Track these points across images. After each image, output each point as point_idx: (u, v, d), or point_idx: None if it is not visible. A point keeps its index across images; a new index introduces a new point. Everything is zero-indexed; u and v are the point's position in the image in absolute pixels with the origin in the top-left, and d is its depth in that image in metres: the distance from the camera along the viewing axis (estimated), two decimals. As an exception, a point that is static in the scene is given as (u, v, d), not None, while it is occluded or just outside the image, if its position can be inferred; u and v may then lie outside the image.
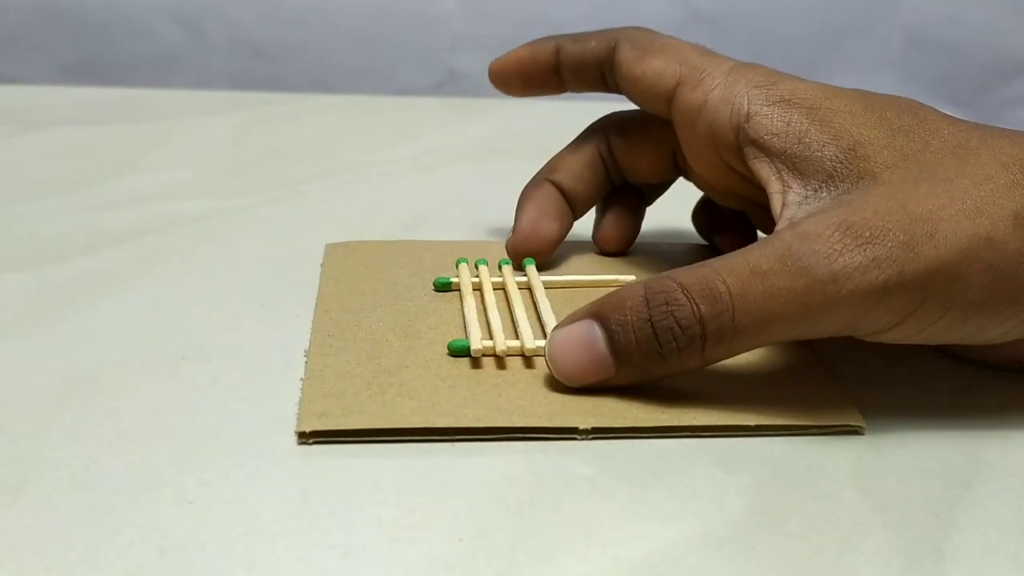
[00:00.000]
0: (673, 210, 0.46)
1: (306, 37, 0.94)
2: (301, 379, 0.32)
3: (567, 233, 0.43)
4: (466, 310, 0.36)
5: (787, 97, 0.34)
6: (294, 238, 0.45)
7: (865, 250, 0.28)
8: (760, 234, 0.42)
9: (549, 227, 0.41)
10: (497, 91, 0.43)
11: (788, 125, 0.33)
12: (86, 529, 0.25)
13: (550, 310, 0.36)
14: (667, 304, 0.29)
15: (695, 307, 0.29)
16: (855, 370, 0.34)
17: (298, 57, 0.95)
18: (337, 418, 0.30)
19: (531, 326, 0.35)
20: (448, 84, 0.93)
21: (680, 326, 0.29)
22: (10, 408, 0.31)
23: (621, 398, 0.31)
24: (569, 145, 0.43)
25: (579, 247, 0.44)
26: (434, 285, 0.39)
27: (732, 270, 0.29)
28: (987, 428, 0.31)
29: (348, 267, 0.41)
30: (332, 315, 0.37)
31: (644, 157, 0.42)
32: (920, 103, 0.33)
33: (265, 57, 0.95)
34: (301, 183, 0.56)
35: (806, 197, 0.32)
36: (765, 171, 0.33)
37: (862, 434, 0.30)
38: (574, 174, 0.42)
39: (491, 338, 0.34)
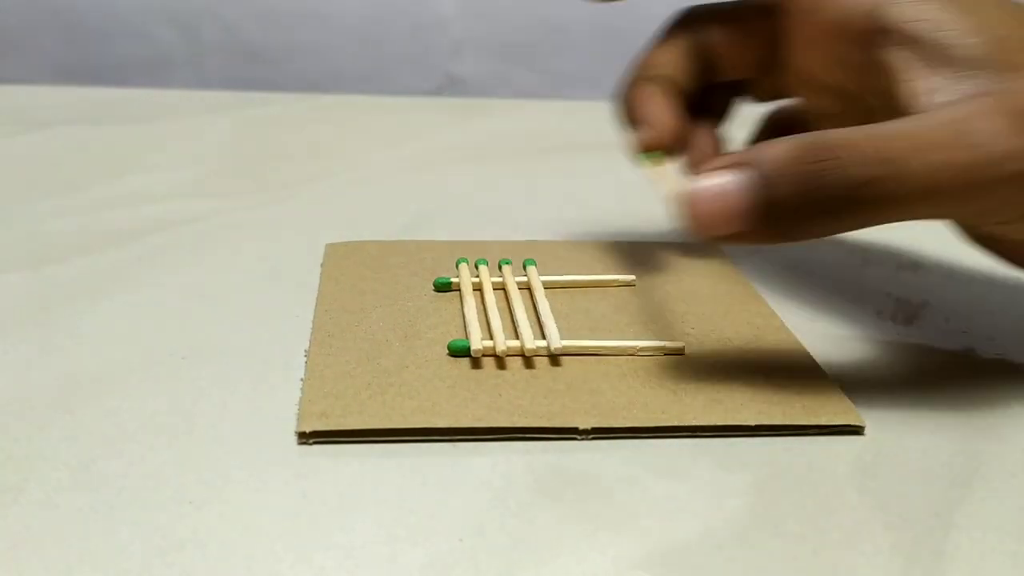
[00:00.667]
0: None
1: (302, 41, 0.94)
2: (301, 379, 0.32)
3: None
4: (466, 310, 0.36)
5: None
6: (294, 238, 0.46)
7: None
8: None
9: (673, 119, 0.39)
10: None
11: (930, 13, 0.32)
12: (86, 529, 0.25)
13: (549, 310, 0.37)
14: (828, 159, 0.28)
15: (859, 168, 0.27)
16: (855, 370, 0.34)
17: (294, 61, 0.95)
18: (337, 418, 0.30)
19: (531, 326, 0.35)
20: (447, 89, 0.93)
21: (839, 185, 0.27)
22: (11, 408, 0.31)
23: (621, 398, 0.31)
24: (657, 41, 0.41)
25: (579, 247, 0.44)
26: (434, 285, 0.39)
27: (899, 136, 0.28)
28: (987, 428, 0.31)
29: (348, 267, 0.41)
30: (332, 315, 0.37)
31: (740, 46, 0.41)
32: None
33: (260, 61, 0.95)
34: (301, 183, 0.55)
35: (949, 81, 0.31)
36: (903, 58, 0.32)
37: (862, 434, 0.31)
38: (671, 66, 0.40)
39: (491, 338, 0.34)
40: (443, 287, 0.39)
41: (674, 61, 0.40)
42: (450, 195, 0.55)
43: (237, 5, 0.94)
